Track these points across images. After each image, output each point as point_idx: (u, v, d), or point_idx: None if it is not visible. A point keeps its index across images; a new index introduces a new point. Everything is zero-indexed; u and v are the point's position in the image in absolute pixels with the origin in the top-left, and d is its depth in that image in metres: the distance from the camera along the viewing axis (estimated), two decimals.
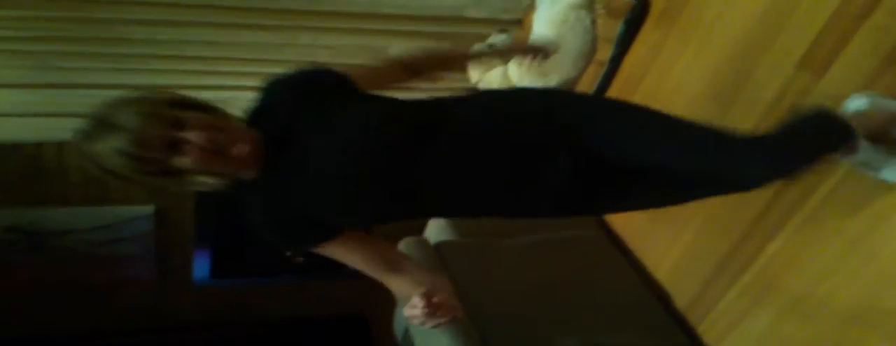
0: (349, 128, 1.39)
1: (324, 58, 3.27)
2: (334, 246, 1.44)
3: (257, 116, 1.46)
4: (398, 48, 3.36)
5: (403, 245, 2.55)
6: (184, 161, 1.29)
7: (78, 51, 3.09)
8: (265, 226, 1.43)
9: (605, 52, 2.77)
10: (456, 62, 1.88)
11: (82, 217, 3.86)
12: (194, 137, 1.28)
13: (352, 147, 1.38)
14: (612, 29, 2.72)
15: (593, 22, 2.61)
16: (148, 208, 3.94)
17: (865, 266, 1.79)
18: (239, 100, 2.72)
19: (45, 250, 3.86)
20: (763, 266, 2.10)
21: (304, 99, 1.46)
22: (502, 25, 3.34)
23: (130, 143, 1.23)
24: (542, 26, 2.66)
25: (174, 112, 1.29)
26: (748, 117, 2.15)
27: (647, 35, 2.67)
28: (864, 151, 1.64)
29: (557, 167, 1.44)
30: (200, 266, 4.24)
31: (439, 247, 2.62)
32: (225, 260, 4.25)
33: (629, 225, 2.79)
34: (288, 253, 4.38)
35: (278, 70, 1.58)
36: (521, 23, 3.45)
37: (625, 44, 2.73)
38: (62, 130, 3.23)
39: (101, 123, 1.25)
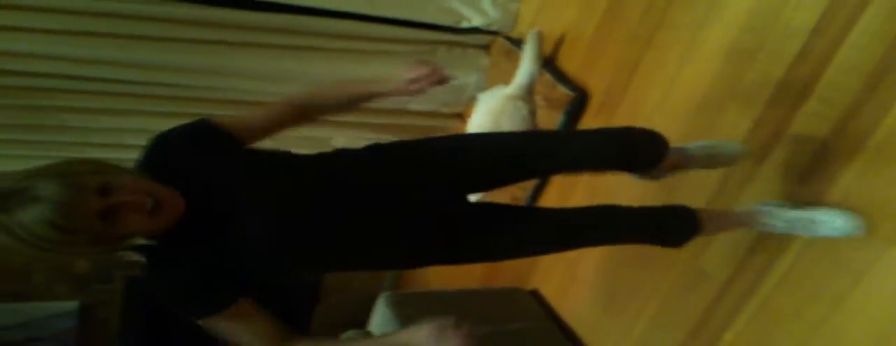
0: (261, 189, 1.41)
1: (268, 143, 3.23)
2: (228, 317, 1.38)
3: (160, 176, 1.39)
4: (342, 139, 3.36)
5: (345, 338, 2.45)
6: (119, 227, 1.24)
7: (13, 138, 2.98)
8: (167, 285, 1.39)
9: None
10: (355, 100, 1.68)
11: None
12: (129, 199, 1.23)
13: (268, 208, 1.39)
14: (553, 119, 2.77)
15: (532, 113, 2.66)
16: (71, 305, 3.74)
17: None
18: None
19: None
20: None
21: (204, 158, 1.44)
22: (444, 119, 3.40)
23: (60, 215, 1.16)
24: (480, 116, 2.69)
25: (97, 178, 1.23)
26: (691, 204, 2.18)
27: (587, 125, 2.73)
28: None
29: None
30: None
31: None
32: None
33: (580, 316, 2.74)
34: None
35: None
36: (462, 116, 3.50)
37: None
38: None
39: (17, 194, 1.17)
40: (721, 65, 2.18)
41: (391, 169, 1.57)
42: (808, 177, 1.87)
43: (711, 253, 2.14)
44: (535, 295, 2.96)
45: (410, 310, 2.65)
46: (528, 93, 2.66)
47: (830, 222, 1.73)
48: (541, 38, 2.76)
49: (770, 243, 1.94)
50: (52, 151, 3.05)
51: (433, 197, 1.58)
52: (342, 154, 1.61)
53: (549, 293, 2.95)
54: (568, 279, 2.83)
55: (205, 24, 2.85)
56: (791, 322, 1.88)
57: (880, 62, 1.72)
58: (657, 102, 2.43)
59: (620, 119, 2.58)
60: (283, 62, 3.05)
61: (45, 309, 3.70)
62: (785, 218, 1.79)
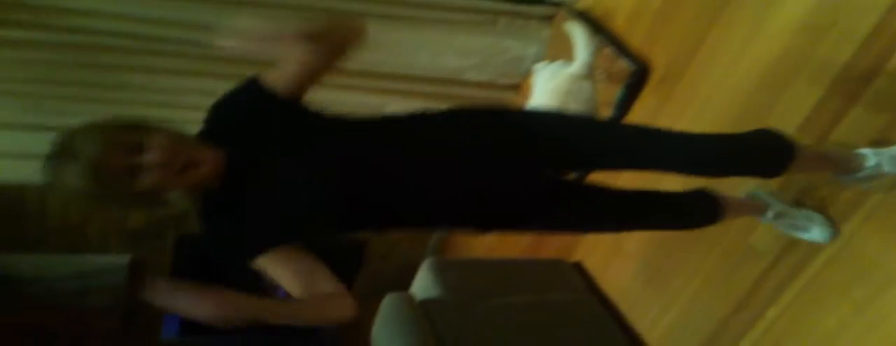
0: (318, 157, 1.47)
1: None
2: (274, 257, 1.45)
3: (215, 134, 1.48)
4: (394, 107, 3.36)
5: (387, 300, 2.47)
6: (144, 183, 1.30)
7: (74, 94, 3.06)
8: (215, 233, 1.50)
9: (604, 114, 2.78)
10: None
11: (55, 265, 3.75)
12: (153, 159, 1.29)
13: (323, 176, 1.45)
14: (611, 93, 2.74)
15: (594, 90, 2.65)
16: (123, 259, 3.84)
17: (871, 332, 1.73)
18: None
19: (12, 296, 3.73)
20: (762, 333, 2.04)
21: (258, 119, 1.49)
22: (500, 90, 3.38)
23: (89, 172, 1.25)
24: (544, 96, 2.68)
25: (134, 136, 1.31)
26: (746, 183, 2.13)
27: (646, 99, 2.69)
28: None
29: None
30: (170, 322, 4.09)
31: (425, 304, 2.53)
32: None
33: (622, 289, 2.73)
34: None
35: None
36: (518, 87, 3.49)
37: (624, 108, 2.74)
38: None
39: (63, 150, 1.28)
40: (788, 42, 2.12)
41: (490, 137, 1.60)
42: None
43: (761, 230, 2.10)
44: (578, 267, 2.94)
45: (452, 276, 2.66)
46: (591, 71, 2.65)
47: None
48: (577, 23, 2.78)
49: None
50: (111, 107, 3.12)
51: (524, 170, 1.63)
52: (425, 116, 1.64)
53: (593, 265, 2.94)
54: (612, 253, 2.81)
55: None
56: (837, 301, 1.84)
57: None
58: (719, 78, 2.38)
59: (680, 94, 2.54)
60: None
61: (98, 262, 3.81)
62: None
